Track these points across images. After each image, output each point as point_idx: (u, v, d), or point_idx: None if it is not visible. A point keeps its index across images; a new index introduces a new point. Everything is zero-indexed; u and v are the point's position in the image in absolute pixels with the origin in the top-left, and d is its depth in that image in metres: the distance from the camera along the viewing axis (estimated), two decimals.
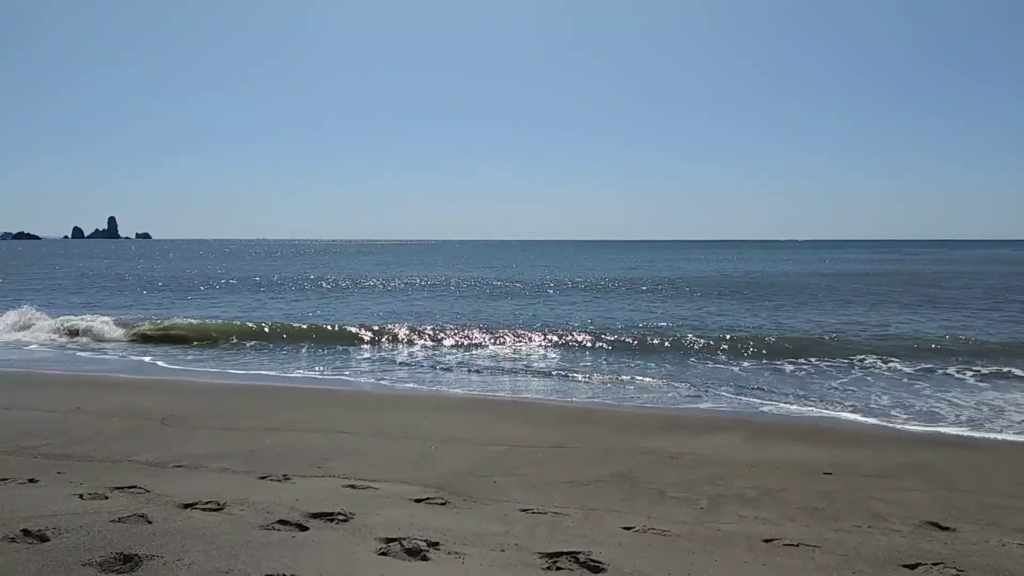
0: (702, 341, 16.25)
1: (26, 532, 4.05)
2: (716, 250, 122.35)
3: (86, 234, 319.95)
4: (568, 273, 49.41)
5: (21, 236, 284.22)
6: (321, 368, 13.73)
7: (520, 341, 17.01)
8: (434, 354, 15.60)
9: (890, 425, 9.12)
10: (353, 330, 18.18)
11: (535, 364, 14.21)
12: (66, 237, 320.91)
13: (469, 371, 13.41)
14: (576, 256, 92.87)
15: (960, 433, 8.70)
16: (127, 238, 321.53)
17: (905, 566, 4.22)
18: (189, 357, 15.16)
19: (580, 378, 12.64)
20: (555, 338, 17.03)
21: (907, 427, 9.03)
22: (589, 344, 16.53)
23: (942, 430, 8.86)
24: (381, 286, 37.69)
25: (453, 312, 23.95)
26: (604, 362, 14.54)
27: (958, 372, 12.81)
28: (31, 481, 5.36)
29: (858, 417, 9.54)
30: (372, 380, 12.40)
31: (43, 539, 3.98)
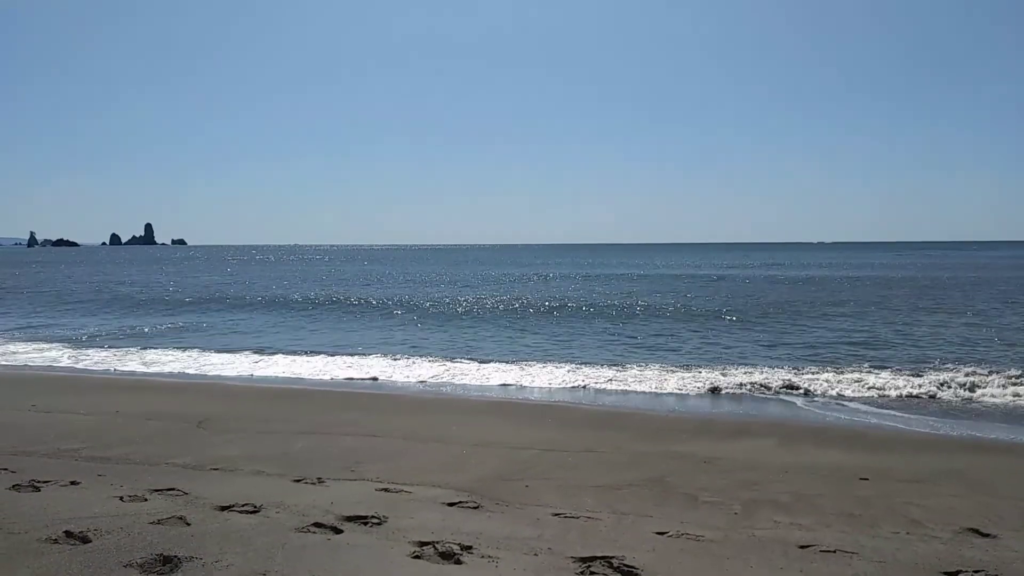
0: None
1: (68, 533, 4.15)
2: (764, 253, 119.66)
3: (123, 240, 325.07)
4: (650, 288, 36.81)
5: (61, 243, 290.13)
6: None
7: None
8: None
9: (926, 430, 8.96)
10: None
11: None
12: (104, 244, 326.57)
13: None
14: (607, 261, 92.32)
15: (998, 437, 8.53)
16: (163, 244, 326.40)
17: (945, 573, 4.15)
18: None
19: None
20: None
21: (943, 431, 8.87)
22: None
23: (978, 434, 8.69)
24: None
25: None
26: None
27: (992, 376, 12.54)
28: (73, 483, 5.48)
29: (890, 422, 9.39)
30: (404, 382, 12.48)
31: (85, 540, 4.08)
